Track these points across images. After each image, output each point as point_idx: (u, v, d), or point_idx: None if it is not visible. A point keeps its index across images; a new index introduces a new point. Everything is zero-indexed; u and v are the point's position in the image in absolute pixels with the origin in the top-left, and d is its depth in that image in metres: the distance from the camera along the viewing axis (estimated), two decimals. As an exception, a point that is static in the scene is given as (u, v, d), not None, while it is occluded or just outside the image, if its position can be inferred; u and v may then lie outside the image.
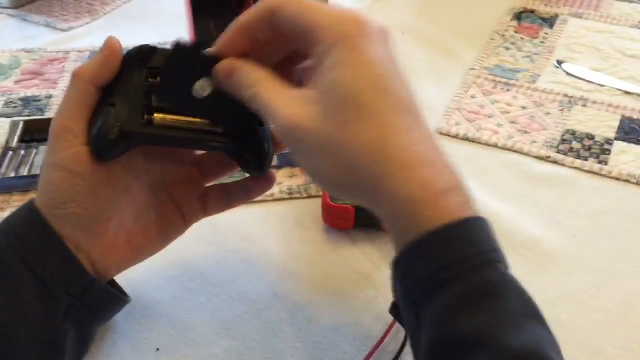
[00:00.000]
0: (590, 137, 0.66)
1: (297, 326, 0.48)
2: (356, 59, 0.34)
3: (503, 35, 0.83)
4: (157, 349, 0.46)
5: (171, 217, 0.45)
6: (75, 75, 0.39)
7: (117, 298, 0.42)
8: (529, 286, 0.51)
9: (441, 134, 0.68)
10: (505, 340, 0.31)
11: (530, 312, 0.33)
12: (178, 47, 0.39)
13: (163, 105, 0.40)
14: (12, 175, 0.60)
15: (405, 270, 0.35)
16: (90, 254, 0.40)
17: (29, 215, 0.39)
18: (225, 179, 0.48)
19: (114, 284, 0.44)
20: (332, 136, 0.34)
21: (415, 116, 0.35)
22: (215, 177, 0.48)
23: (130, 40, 0.83)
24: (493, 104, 0.71)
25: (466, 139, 0.67)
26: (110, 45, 0.39)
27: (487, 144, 0.66)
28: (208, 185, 0.48)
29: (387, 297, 0.42)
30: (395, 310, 0.38)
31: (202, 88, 0.39)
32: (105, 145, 0.39)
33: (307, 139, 0.35)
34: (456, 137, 0.67)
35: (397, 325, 0.45)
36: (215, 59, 0.39)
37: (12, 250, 0.38)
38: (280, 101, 0.36)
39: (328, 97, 0.34)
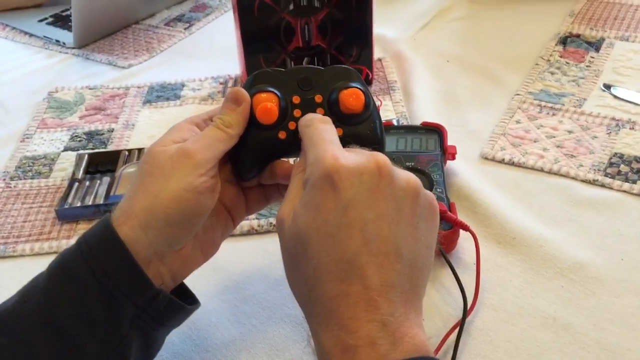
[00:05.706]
0: (639, 160, 0.66)
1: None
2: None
3: (548, 60, 0.83)
4: (213, 369, 0.49)
5: (225, 220, 0.48)
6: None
7: (181, 308, 0.44)
8: (577, 310, 0.51)
9: (486, 158, 0.68)
10: None
11: None
12: None
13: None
14: (78, 204, 0.64)
15: None
16: (172, 266, 0.43)
17: (103, 229, 0.42)
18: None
19: (185, 290, 0.47)
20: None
21: None
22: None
23: (185, 75, 0.88)
24: (538, 128, 0.72)
25: (511, 163, 0.67)
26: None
27: (533, 168, 0.67)
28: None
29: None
30: None
31: None
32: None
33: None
34: (501, 162, 0.68)
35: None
36: None
37: (83, 261, 0.41)
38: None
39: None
